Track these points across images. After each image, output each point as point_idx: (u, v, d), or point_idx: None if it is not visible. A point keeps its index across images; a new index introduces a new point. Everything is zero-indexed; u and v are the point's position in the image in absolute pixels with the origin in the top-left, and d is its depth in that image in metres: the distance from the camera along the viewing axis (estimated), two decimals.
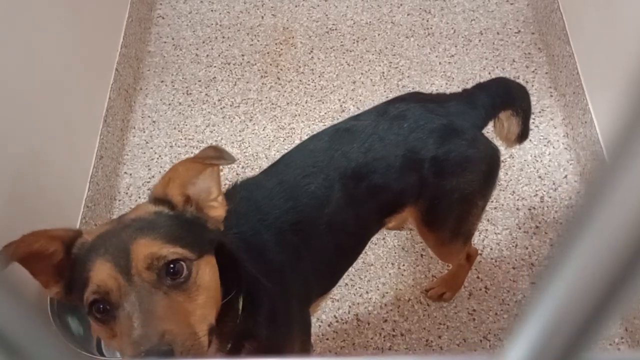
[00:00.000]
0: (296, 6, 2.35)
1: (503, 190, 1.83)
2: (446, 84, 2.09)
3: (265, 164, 1.94)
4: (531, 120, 1.97)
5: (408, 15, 2.30)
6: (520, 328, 0.23)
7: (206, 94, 2.11)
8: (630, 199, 0.18)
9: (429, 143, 1.16)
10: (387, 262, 1.73)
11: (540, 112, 2.01)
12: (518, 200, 1.83)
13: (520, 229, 1.78)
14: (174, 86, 2.14)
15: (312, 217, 1.13)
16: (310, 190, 1.13)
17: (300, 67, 2.17)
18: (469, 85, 1.35)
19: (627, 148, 0.18)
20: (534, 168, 1.89)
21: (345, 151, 1.16)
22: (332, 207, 1.14)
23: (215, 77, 2.15)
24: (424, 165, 1.17)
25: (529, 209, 1.81)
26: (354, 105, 2.06)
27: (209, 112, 2.06)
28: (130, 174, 1.94)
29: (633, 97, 0.18)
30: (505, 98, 1.33)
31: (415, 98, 1.29)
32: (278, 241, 1.09)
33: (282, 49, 2.23)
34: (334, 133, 1.20)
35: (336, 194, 1.14)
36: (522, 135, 1.38)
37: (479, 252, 1.67)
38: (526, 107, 1.36)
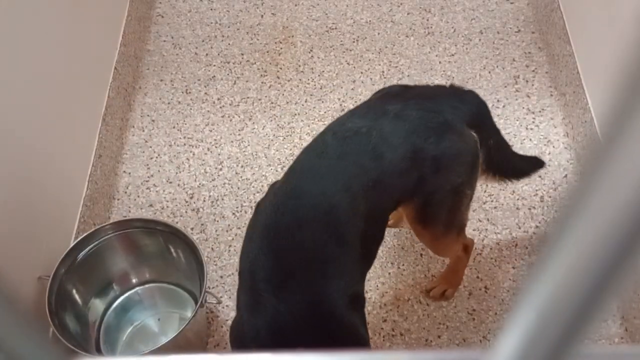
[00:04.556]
0: (296, 5, 2.34)
1: (503, 190, 1.83)
2: (446, 83, 2.08)
3: (264, 163, 1.94)
4: (531, 120, 1.98)
5: (408, 14, 2.30)
6: (512, 320, 0.23)
7: (205, 93, 2.11)
8: (625, 182, 0.18)
9: (428, 142, 1.19)
10: (387, 262, 1.73)
11: (540, 111, 2.00)
12: (518, 199, 1.82)
13: (520, 228, 1.77)
14: (173, 85, 2.13)
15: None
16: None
17: (299, 66, 2.17)
18: (469, 85, 1.35)
19: (621, 130, 0.17)
20: None
21: (350, 155, 1.19)
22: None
23: (214, 76, 2.15)
24: (424, 163, 1.20)
25: (529, 209, 1.80)
26: (353, 105, 2.05)
27: (208, 111, 2.06)
28: (129, 173, 1.93)
29: (628, 77, 0.17)
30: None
31: (406, 95, 1.32)
32: None
33: (281, 48, 2.22)
34: (336, 140, 1.23)
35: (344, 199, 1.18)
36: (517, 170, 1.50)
37: (479, 252, 1.67)
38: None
